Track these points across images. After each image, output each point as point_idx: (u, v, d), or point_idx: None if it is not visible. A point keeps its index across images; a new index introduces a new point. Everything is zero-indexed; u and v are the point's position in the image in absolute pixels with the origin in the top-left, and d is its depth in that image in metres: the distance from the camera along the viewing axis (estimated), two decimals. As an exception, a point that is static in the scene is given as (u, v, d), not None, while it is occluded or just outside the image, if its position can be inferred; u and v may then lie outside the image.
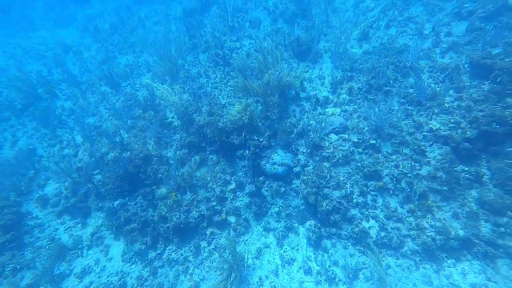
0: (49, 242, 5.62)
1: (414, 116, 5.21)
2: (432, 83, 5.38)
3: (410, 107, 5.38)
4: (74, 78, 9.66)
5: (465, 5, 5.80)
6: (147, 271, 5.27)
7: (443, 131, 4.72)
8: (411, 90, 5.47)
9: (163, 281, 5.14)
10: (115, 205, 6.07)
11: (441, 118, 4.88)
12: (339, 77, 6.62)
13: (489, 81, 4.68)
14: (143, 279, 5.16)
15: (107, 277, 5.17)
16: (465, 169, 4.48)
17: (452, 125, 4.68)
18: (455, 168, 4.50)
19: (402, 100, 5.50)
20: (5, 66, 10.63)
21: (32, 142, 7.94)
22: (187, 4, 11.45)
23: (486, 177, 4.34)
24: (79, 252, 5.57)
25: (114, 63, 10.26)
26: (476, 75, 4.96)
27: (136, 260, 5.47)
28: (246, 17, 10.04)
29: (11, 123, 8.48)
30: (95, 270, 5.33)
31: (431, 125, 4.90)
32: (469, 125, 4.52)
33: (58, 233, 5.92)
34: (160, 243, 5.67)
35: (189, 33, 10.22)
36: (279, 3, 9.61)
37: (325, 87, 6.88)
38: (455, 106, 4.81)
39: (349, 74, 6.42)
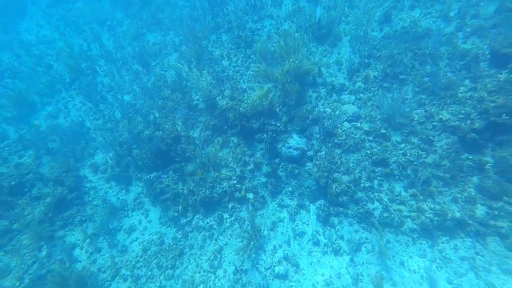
0: (102, 202, 6.93)
1: (426, 106, 5.47)
2: (449, 72, 5.50)
3: (423, 96, 5.61)
4: (110, 55, 10.24)
5: (497, -16, 5.57)
6: (180, 234, 6.44)
7: (452, 122, 5.00)
8: (426, 79, 5.65)
9: (193, 243, 6.29)
10: (151, 177, 7.19)
11: (453, 108, 5.12)
12: (356, 64, 6.82)
13: (507, 71, 4.76)
14: (177, 239, 6.34)
15: (149, 235, 6.41)
16: (470, 157, 4.84)
17: (462, 116, 4.94)
18: (460, 157, 4.87)
19: (417, 89, 5.73)
20: (52, 39, 11.32)
21: (80, 114, 8.95)
22: None
23: (489, 165, 4.69)
24: (126, 213, 6.84)
25: (144, 40, 10.49)
26: (495, 63, 5.02)
27: (171, 224, 6.63)
28: (268, -6, 10.02)
29: (63, 95, 9.41)
30: (138, 228, 6.60)
31: (441, 116, 5.18)
32: (478, 116, 4.76)
33: (108, 196, 7.21)
34: (189, 212, 6.75)
35: (212, 11, 10.33)
36: (300, -21, 9.45)
37: (342, 73, 7.13)
38: (468, 97, 5.00)
39: (366, 61, 6.61)
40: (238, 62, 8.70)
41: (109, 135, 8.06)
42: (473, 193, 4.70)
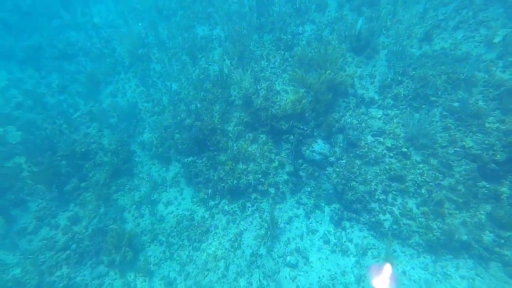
0: (147, 176, 8.23)
1: (451, 131, 5.70)
2: (481, 99, 5.63)
3: (450, 121, 5.82)
4: (163, 43, 11.23)
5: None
6: (207, 214, 7.50)
7: (474, 150, 5.23)
8: (456, 104, 5.83)
9: (218, 223, 7.32)
10: (188, 161, 8.30)
11: (477, 137, 5.32)
12: (389, 79, 7.09)
13: (539, 109, 4.83)
14: (204, 218, 7.42)
15: (182, 211, 7.56)
16: (486, 185, 5.07)
17: (486, 146, 5.14)
18: (476, 184, 5.13)
19: (445, 113, 5.94)
20: (118, 24, 12.70)
21: (134, 96, 10.19)
22: None
23: (504, 195, 4.91)
24: (165, 188, 8.06)
25: (193, 32, 11.30)
26: (530, 99, 5.08)
27: (200, 204, 7.70)
28: (313, -1, 10.32)
29: (122, 76, 10.74)
30: (174, 203, 7.77)
31: (465, 143, 5.40)
32: (502, 148, 4.95)
33: (151, 171, 8.48)
34: (217, 196, 7.77)
35: (258, 11, 10.88)
36: (348, -14, 9.62)
37: (374, 87, 7.44)
38: (495, 128, 5.16)
39: (399, 78, 6.85)
40: (276, 63, 9.31)
41: (156, 118, 9.32)
42: (483, 220, 4.98)
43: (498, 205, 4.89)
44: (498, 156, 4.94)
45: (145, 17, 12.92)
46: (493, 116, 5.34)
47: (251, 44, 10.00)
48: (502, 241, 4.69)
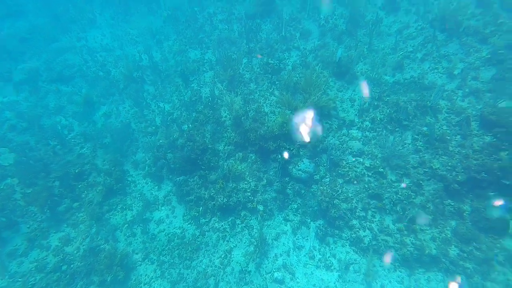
0: (139, 195, 8.43)
1: (421, 153, 6.34)
2: (445, 125, 6.32)
3: (420, 144, 6.47)
4: (157, 66, 11.76)
5: (499, 51, 6.31)
6: (198, 231, 7.75)
7: (440, 171, 5.84)
8: (425, 128, 6.50)
9: (208, 241, 7.57)
10: (180, 180, 8.60)
11: (443, 159, 5.96)
12: (367, 104, 7.78)
13: (491, 135, 5.53)
14: (195, 236, 7.66)
15: (173, 228, 7.78)
16: (452, 203, 5.65)
17: (449, 167, 5.76)
18: (443, 202, 5.71)
19: (416, 136, 6.60)
20: (112, 47, 13.19)
21: (128, 117, 10.51)
22: (248, 7, 12.66)
23: (466, 213, 5.48)
24: (157, 206, 8.28)
25: (186, 56, 11.88)
26: (484, 125, 5.79)
27: (192, 221, 7.95)
28: (298, 27, 11.20)
29: (116, 98, 11.07)
30: (165, 221, 7.98)
31: (432, 164, 6.02)
32: (462, 170, 5.57)
33: (144, 190, 8.69)
34: (208, 214, 8.05)
35: (247, 36, 11.69)
36: (330, 18, 10.54)
37: (354, 110, 8.11)
38: (456, 152, 5.82)
39: (375, 103, 7.55)
40: (264, 86, 9.94)
41: (149, 138, 9.65)
42: (449, 236, 5.52)
43: (461, 222, 5.45)
44: (459, 177, 5.55)
45: (139, 41, 13.52)
46: (455, 140, 6.01)
47: (241, 68, 10.65)
48: (465, 255, 5.21)
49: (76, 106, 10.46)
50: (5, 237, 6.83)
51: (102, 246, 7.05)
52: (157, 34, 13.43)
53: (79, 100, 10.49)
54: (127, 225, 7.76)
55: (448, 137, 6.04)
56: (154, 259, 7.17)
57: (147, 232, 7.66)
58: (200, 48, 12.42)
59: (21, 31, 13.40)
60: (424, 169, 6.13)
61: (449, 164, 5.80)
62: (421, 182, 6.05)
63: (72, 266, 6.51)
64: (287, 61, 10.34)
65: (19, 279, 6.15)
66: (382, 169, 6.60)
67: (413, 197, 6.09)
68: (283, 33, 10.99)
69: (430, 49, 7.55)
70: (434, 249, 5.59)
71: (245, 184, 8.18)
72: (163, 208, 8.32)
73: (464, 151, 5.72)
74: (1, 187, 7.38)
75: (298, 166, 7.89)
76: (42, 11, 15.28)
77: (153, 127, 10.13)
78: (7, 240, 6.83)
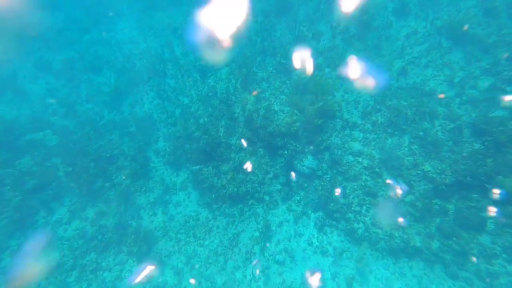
0: (160, 180, 9.57)
1: (416, 156, 6.91)
2: (440, 131, 6.82)
3: (416, 147, 7.03)
4: (177, 60, 12.78)
5: (500, 61, 6.63)
6: (211, 215, 8.79)
7: (431, 173, 6.42)
8: (421, 133, 7.03)
9: (219, 224, 8.61)
10: (195, 169, 9.64)
11: (434, 163, 6.51)
12: (370, 107, 8.32)
13: (480, 142, 6.00)
14: (208, 219, 8.71)
15: (189, 211, 8.88)
16: (438, 202, 6.26)
17: (439, 171, 6.32)
18: (431, 201, 6.32)
19: (412, 140, 7.14)
20: (138, 40, 14.04)
21: (151, 107, 11.53)
22: (265, 4, 13.12)
23: (450, 211, 6.08)
24: (175, 191, 9.40)
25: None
26: (475, 133, 6.25)
27: (205, 206, 9.01)
28: (311, 28, 11.66)
29: (140, 89, 12.04)
30: (182, 204, 9.09)
31: (424, 167, 6.60)
32: (450, 174, 6.13)
33: (164, 175, 9.81)
34: (219, 201, 9.07)
35: (262, 35, 12.28)
36: (342, 20, 10.92)
37: (358, 112, 8.68)
38: (447, 157, 6.35)
39: (378, 107, 8.09)
40: (276, 85, 10.63)
41: (169, 129, 10.70)
42: (433, 231, 6.16)
43: (445, 219, 6.07)
44: (447, 180, 6.12)
45: (162, 35, 14.40)
46: (447, 146, 6.52)
47: (254, 66, 11.34)
48: (445, 248, 5.86)
49: (105, 95, 11.64)
50: (53, 207, 8.20)
51: (129, 222, 8.27)
52: (178, 28, 14.19)
53: (108, 89, 11.67)
54: (149, 205, 8.94)
55: (441, 143, 6.56)
56: (173, 236, 8.32)
57: (166, 213, 8.80)
58: (217, 45, 13.03)
59: (59, 22, 14.66)
60: (417, 171, 6.71)
61: (439, 167, 6.36)
62: (412, 182, 6.66)
63: (105, 236, 7.78)
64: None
65: (66, 242, 7.50)
66: (378, 169, 7.24)
67: (404, 196, 6.73)
68: (296, 33, 11.51)
69: (434, 56, 7.91)
70: (419, 242, 6.26)
71: (254, 176, 9.08)
72: (180, 193, 9.42)
73: (453, 157, 6.24)
74: (48, 164, 8.72)
75: (303, 162, 8.66)
76: (76, 3, 16.45)
77: (173, 119, 11.12)
78: (54, 210, 8.21)
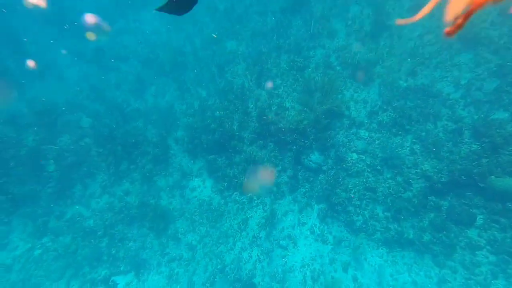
0: (178, 166, 10.67)
1: (416, 156, 7.33)
2: (441, 132, 7.17)
3: (417, 147, 7.43)
4: (197, 54, 13.68)
5: (508, 63, 6.78)
6: (223, 201, 9.76)
7: (429, 172, 6.85)
8: (423, 134, 7.41)
9: (230, 209, 9.56)
10: (210, 158, 10.62)
11: (433, 162, 6.92)
12: (377, 107, 8.74)
13: (477, 144, 6.32)
14: (220, 204, 9.69)
15: (204, 196, 9.92)
16: (433, 199, 6.71)
17: (436, 170, 6.74)
18: (427, 198, 6.79)
19: (415, 140, 7.55)
20: (161, 31, 15.11)
21: (172, 98, 12.64)
22: (282, 1, 13.52)
23: (444, 207, 6.52)
24: (191, 177, 10.47)
25: (222, 46, 13.12)
26: (474, 135, 6.55)
27: (218, 193, 10.00)
28: (326, 26, 12.02)
29: (162, 80, 13.15)
30: (198, 190, 10.15)
31: (423, 166, 7.02)
32: (447, 173, 6.53)
33: (182, 162, 10.90)
34: (231, 188, 10.00)
35: (278, 32, 12.81)
36: (357, 17, 11.21)
37: (366, 111, 9.12)
38: (445, 157, 6.73)
39: (384, 107, 8.50)
40: (288, 82, 11.24)
41: (188, 119, 11.71)
42: (426, 225, 6.64)
43: (437, 215, 6.52)
44: (443, 179, 6.53)
45: (183, 28, 15.30)
46: (447, 146, 6.88)
47: (269, 62, 11.97)
48: (435, 240, 6.35)
49: (131, 84, 12.87)
50: (87, 183, 9.61)
51: (151, 201, 9.47)
52: (198, 22, 14.96)
53: (133, 78, 12.88)
54: (168, 188, 10.08)
55: (441, 143, 6.93)
56: (188, 217, 9.41)
57: (183, 196, 9.90)
58: (236, 40, 13.48)
59: (90, 11, 16.07)
60: (416, 170, 7.16)
61: (437, 167, 6.76)
62: (411, 180, 7.13)
63: (131, 211, 9.03)
64: (311, 60, 11.39)
65: (98, 213, 8.87)
66: (380, 167, 7.74)
67: (402, 192, 7.22)
68: (311, 31, 11.94)
69: (444, 57, 8.11)
70: (412, 234, 6.78)
71: (263, 168, 9.87)
72: (196, 179, 10.47)
73: (451, 157, 6.62)
74: (82, 144, 10.11)
75: (310, 157, 9.32)
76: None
77: (192, 110, 12.11)
78: (88, 185, 9.62)
